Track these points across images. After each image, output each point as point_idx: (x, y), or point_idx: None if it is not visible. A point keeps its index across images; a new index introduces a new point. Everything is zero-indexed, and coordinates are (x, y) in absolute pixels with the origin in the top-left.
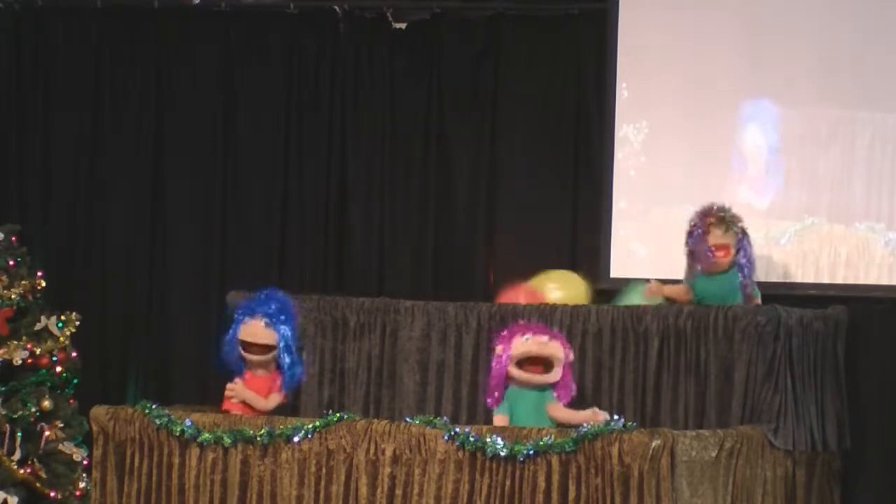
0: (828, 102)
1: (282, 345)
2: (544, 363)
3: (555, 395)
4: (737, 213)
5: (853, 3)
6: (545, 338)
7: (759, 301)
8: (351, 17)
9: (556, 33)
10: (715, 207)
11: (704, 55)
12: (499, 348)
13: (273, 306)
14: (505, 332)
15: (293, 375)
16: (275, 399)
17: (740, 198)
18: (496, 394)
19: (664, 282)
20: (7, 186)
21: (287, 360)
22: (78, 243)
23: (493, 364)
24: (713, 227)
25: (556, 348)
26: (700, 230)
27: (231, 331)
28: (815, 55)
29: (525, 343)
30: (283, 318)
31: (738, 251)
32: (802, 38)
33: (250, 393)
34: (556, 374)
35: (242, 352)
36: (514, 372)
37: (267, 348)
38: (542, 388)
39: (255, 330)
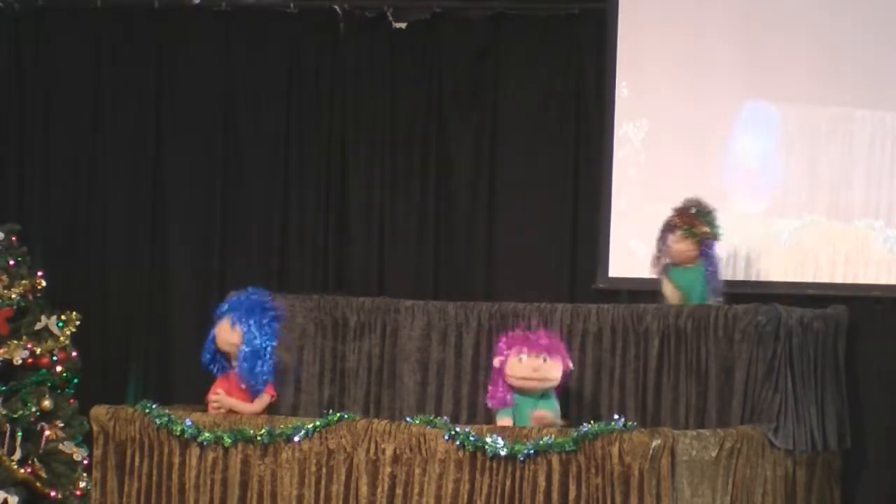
0: (827, 101)
1: (244, 345)
2: None
3: (554, 394)
4: (706, 219)
5: (853, 2)
6: (541, 360)
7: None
8: (351, 17)
9: (556, 33)
10: (689, 210)
11: (704, 53)
12: (497, 361)
13: (242, 306)
14: (502, 344)
15: (255, 375)
16: (263, 401)
17: (739, 196)
18: (499, 395)
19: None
20: (7, 186)
21: (246, 361)
22: (78, 243)
23: (495, 376)
24: (675, 231)
25: (550, 371)
26: (669, 227)
27: (210, 334)
28: (815, 54)
29: (520, 366)
30: (249, 316)
31: (702, 255)
32: (802, 36)
33: (234, 400)
34: (553, 384)
35: (216, 344)
36: (515, 382)
37: (237, 346)
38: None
39: (220, 332)
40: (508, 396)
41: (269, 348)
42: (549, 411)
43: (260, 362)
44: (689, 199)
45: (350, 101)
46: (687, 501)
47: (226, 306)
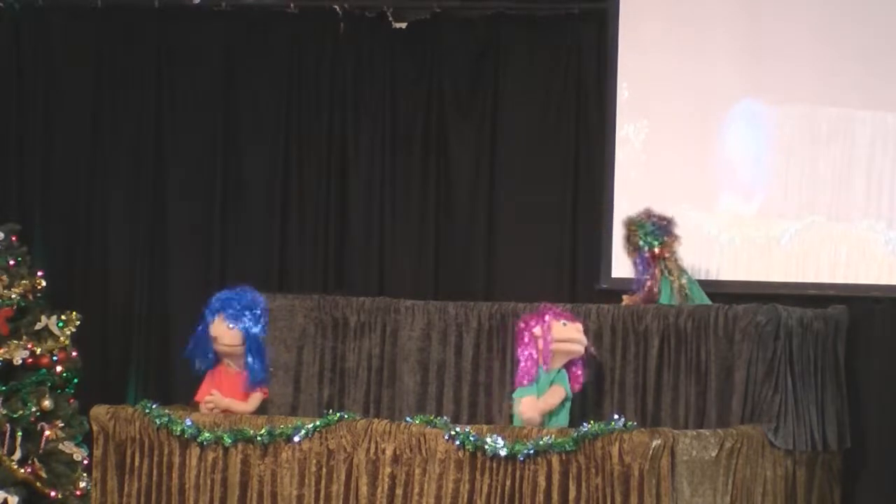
0: (828, 101)
1: (246, 342)
2: None
3: (567, 376)
4: (638, 230)
5: (853, 2)
6: (579, 324)
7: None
8: (351, 17)
9: (556, 33)
10: (626, 225)
11: (705, 54)
12: (537, 330)
13: (237, 304)
14: (537, 316)
15: (255, 373)
16: (256, 399)
17: (740, 197)
18: (533, 372)
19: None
20: (7, 186)
21: (249, 358)
22: (78, 243)
23: (530, 346)
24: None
25: (585, 336)
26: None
27: (201, 327)
28: (816, 54)
29: (565, 329)
30: (247, 315)
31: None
32: (803, 37)
33: (228, 400)
34: (582, 348)
35: (215, 346)
36: (561, 346)
37: (238, 346)
38: (560, 370)
39: (220, 331)
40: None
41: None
42: (559, 385)
43: (262, 355)
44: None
45: (350, 101)
46: (687, 501)
47: (218, 305)
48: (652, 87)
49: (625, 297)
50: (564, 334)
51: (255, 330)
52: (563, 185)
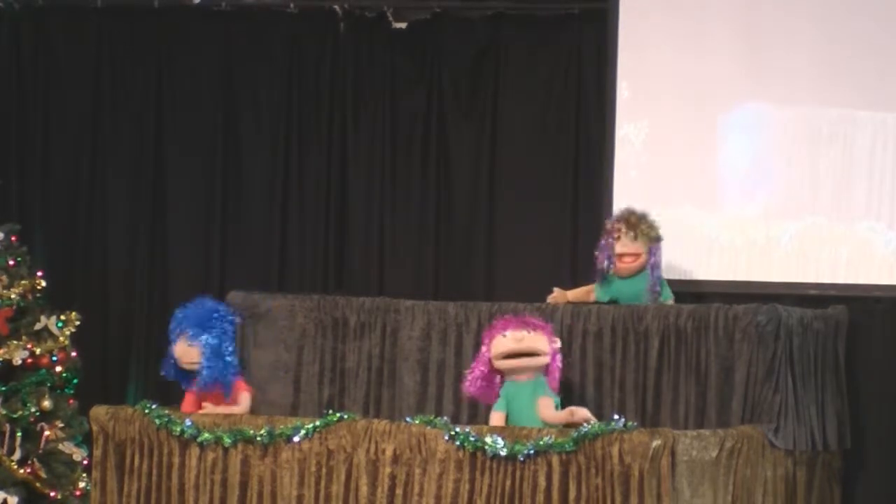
0: (828, 102)
1: (205, 353)
2: (529, 355)
3: (547, 384)
4: (651, 220)
5: (854, 3)
6: (523, 333)
7: (670, 301)
8: (351, 17)
9: (557, 33)
10: (628, 214)
11: (705, 54)
12: (483, 347)
13: (191, 320)
14: (488, 331)
15: (212, 374)
16: (245, 399)
17: (740, 197)
18: (479, 383)
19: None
20: (7, 186)
21: (207, 363)
22: (78, 243)
23: (476, 362)
24: (622, 234)
25: (534, 340)
26: (611, 237)
27: (169, 353)
28: (816, 55)
29: (503, 341)
30: (203, 327)
31: (649, 257)
32: (803, 37)
33: (221, 408)
34: (542, 359)
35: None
36: (501, 364)
37: (198, 362)
38: (536, 378)
39: (181, 351)
40: (491, 384)
41: (229, 348)
42: (546, 397)
43: (222, 362)
44: (623, 209)
45: (350, 101)
46: (687, 502)
47: (177, 325)
48: (652, 87)
49: (558, 290)
50: (503, 347)
51: (213, 341)
52: (563, 185)
